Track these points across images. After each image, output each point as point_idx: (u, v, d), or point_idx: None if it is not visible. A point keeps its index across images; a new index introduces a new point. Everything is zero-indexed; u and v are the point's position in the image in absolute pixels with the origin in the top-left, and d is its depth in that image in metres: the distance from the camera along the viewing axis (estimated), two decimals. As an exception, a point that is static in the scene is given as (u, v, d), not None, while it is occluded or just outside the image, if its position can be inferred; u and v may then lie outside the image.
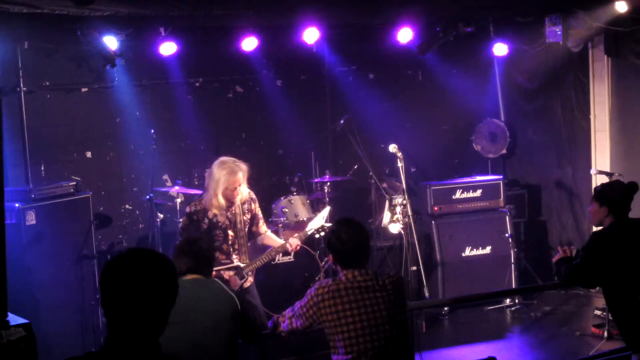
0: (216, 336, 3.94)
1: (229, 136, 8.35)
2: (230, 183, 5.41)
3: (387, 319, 3.76)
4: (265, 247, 5.92)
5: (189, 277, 4.02)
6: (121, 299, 2.20)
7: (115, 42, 6.58)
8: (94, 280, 6.64)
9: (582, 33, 7.53)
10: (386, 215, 7.22)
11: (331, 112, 8.67)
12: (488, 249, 7.67)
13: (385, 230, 7.47)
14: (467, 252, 7.63)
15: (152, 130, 7.17)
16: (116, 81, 7.63)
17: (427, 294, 6.94)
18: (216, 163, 5.49)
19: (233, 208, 5.54)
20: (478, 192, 7.80)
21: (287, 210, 7.34)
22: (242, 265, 5.55)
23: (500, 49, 7.98)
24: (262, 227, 5.82)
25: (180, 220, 6.34)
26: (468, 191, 7.78)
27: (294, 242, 5.74)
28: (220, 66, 8.14)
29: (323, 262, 6.93)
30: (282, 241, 5.81)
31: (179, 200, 7.04)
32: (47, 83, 7.43)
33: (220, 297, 4.03)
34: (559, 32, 7.48)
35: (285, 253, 6.40)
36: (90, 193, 6.81)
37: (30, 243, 6.18)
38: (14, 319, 4.37)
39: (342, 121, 7.84)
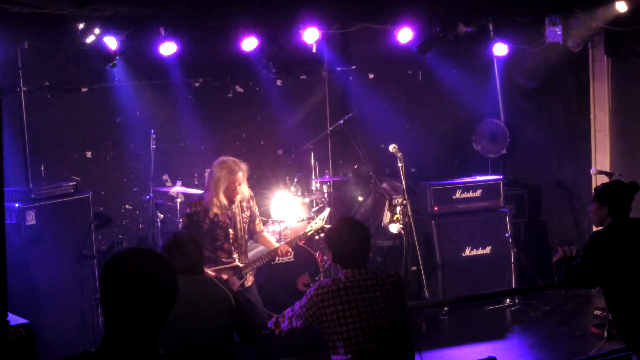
0: (210, 332, 3.95)
1: (229, 136, 8.35)
2: (231, 182, 5.42)
3: (386, 319, 3.77)
4: (264, 247, 5.92)
5: (182, 276, 4.01)
6: (120, 298, 2.20)
7: (115, 42, 6.58)
8: (94, 280, 6.65)
9: (582, 33, 7.53)
10: (386, 215, 7.22)
11: (331, 112, 8.66)
12: (488, 249, 7.67)
13: (385, 230, 7.47)
14: (467, 252, 7.63)
15: (152, 130, 7.17)
16: (116, 81, 7.63)
17: (427, 294, 6.94)
18: (216, 163, 5.50)
19: (233, 207, 5.55)
20: (478, 192, 7.80)
21: (287, 210, 7.34)
22: (240, 265, 5.55)
23: (500, 49, 7.97)
24: (259, 225, 5.83)
25: (181, 220, 6.35)
26: (468, 191, 7.78)
27: (285, 248, 5.74)
28: (220, 66, 8.13)
29: (323, 262, 6.93)
30: (275, 244, 5.81)
31: (179, 200, 7.04)
32: (47, 83, 7.43)
33: (214, 294, 4.04)
34: (559, 32, 7.49)
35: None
36: (90, 193, 6.81)
37: (30, 243, 6.18)
38: (14, 319, 4.38)
39: (342, 121, 7.84)
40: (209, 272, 5.20)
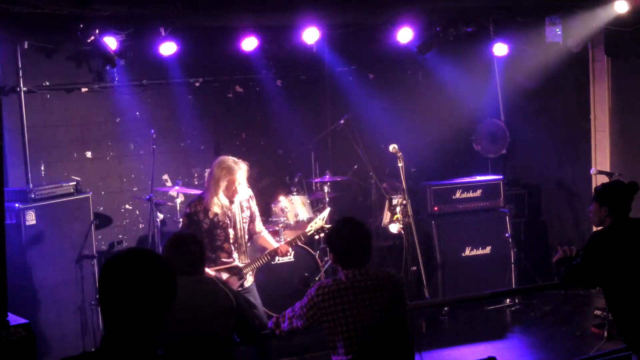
0: (210, 333, 3.94)
1: (229, 136, 8.35)
2: (231, 182, 5.41)
3: (387, 319, 3.77)
4: (264, 247, 5.91)
5: (183, 276, 4.01)
6: (119, 298, 2.19)
7: (115, 42, 6.58)
8: (94, 280, 6.65)
9: (582, 33, 7.53)
10: (386, 215, 7.22)
11: (331, 112, 8.67)
12: (488, 249, 7.67)
13: (385, 230, 7.47)
14: (467, 252, 7.63)
15: (152, 130, 7.17)
16: (116, 81, 7.63)
17: (427, 294, 6.94)
18: (216, 162, 5.50)
19: (233, 207, 5.54)
20: (478, 192, 7.80)
21: (287, 210, 7.34)
22: (240, 265, 5.55)
23: (500, 49, 7.97)
24: (258, 225, 5.81)
25: (180, 220, 6.35)
26: (468, 191, 7.78)
27: (285, 248, 5.74)
28: (220, 66, 8.13)
29: (323, 262, 6.93)
30: (275, 244, 5.80)
31: (179, 200, 7.05)
32: (47, 83, 7.43)
33: (215, 294, 4.03)
34: (559, 32, 7.48)
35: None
36: (90, 193, 6.81)
37: (30, 243, 6.18)
38: (14, 319, 4.37)
39: (342, 121, 7.84)
40: (209, 272, 5.20)
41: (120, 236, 7.81)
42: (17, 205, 6.13)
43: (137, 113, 7.83)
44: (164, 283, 2.25)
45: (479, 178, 7.97)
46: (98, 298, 5.90)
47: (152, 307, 2.22)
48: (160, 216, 7.02)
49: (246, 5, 6.37)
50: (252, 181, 5.77)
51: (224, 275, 5.43)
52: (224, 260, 5.50)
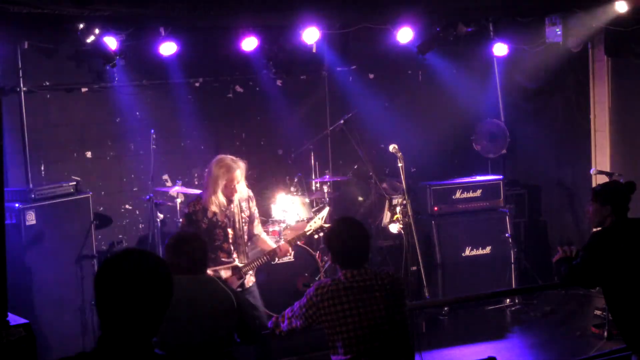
0: (212, 333, 3.95)
1: (229, 136, 8.35)
2: (229, 180, 5.40)
3: (386, 319, 3.76)
4: (262, 249, 5.90)
5: (185, 275, 4.01)
6: (115, 299, 2.20)
7: (115, 42, 6.59)
8: (94, 280, 6.63)
9: (582, 33, 7.53)
10: (386, 215, 7.22)
11: (331, 112, 8.67)
12: (488, 249, 7.67)
13: (385, 230, 7.47)
14: (467, 252, 7.63)
15: (152, 130, 7.17)
16: (116, 81, 7.62)
17: (427, 294, 6.94)
18: (214, 161, 5.49)
19: (232, 206, 5.53)
20: (478, 192, 7.80)
21: (287, 210, 7.34)
22: (240, 265, 5.54)
23: (500, 49, 7.97)
24: (257, 227, 5.78)
25: (180, 220, 6.35)
26: (468, 191, 7.78)
27: (285, 247, 5.71)
28: (220, 66, 8.14)
29: (323, 262, 6.93)
30: (273, 245, 5.78)
31: (179, 200, 7.05)
32: (47, 83, 7.43)
33: (216, 294, 4.03)
34: (559, 32, 7.48)
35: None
36: (90, 193, 6.81)
37: (30, 243, 6.18)
38: (14, 319, 4.38)
39: (342, 121, 7.83)
40: (209, 271, 5.19)
41: (120, 236, 7.81)
42: (17, 205, 6.13)
43: (137, 113, 7.83)
44: (160, 283, 2.25)
45: (479, 178, 7.97)
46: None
47: (148, 307, 2.22)
48: (160, 216, 7.02)
49: (246, 5, 6.37)
50: (252, 181, 5.75)
51: (223, 275, 5.42)
52: (223, 260, 5.50)
